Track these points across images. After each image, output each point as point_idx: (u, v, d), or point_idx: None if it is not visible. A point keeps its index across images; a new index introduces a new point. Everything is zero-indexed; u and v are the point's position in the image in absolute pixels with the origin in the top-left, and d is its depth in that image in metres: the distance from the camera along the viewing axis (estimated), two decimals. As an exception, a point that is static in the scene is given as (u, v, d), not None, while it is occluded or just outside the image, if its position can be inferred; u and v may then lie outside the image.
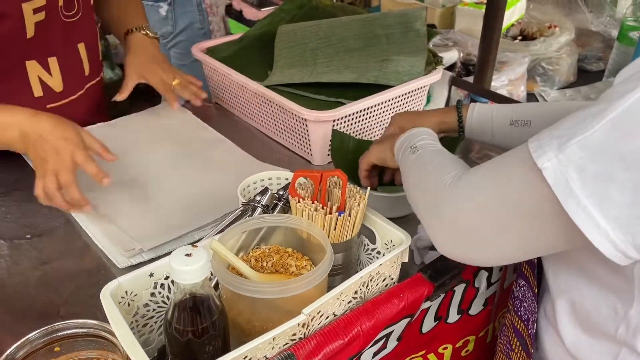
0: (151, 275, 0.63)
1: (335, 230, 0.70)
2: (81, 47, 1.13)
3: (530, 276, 0.72)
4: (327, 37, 1.30)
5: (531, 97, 2.66)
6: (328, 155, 1.13)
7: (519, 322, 0.73)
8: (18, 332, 0.60)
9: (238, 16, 2.24)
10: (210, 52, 1.33)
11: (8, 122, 0.89)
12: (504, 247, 0.56)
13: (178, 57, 2.21)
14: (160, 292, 0.64)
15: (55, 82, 1.08)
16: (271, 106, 1.17)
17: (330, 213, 0.68)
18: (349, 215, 0.69)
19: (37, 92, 1.07)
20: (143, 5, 1.31)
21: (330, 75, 1.20)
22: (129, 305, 0.61)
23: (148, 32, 1.22)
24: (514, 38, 2.76)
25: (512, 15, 2.69)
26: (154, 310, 0.64)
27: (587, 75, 2.87)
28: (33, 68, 1.04)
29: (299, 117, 1.09)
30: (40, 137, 0.87)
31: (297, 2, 1.46)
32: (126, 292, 0.61)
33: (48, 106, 1.08)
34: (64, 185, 0.88)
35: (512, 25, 2.77)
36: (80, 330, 0.57)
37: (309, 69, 1.23)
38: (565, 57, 2.69)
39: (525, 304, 0.72)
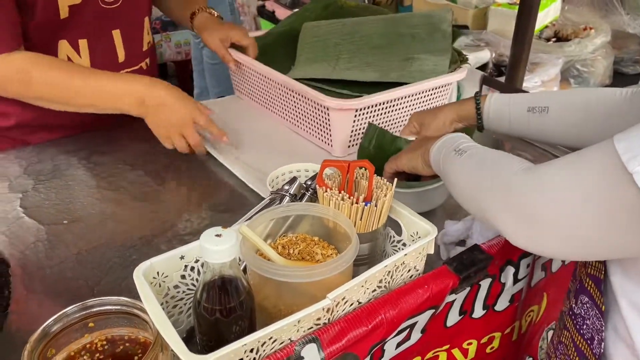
0: (182, 257, 0.65)
1: (361, 220, 0.70)
2: (116, 33, 1.16)
3: (595, 293, 0.69)
4: (351, 33, 1.31)
5: (564, 99, 2.60)
6: (349, 146, 1.13)
7: (582, 340, 0.71)
8: (54, 311, 0.63)
9: (270, 17, 2.27)
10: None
11: (126, 90, 1.02)
12: (578, 244, 0.55)
13: (210, 56, 2.25)
14: (190, 275, 0.66)
15: (83, 64, 1.12)
16: (293, 96, 1.18)
17: (357, 203, 0.69)
18: (376, 205, 0.70)
19: None
20: None
21: (353, 73, 1.21)
22: (159, 285, 0.64)
23: (212, 11, 1.32)
24: (548, 40, 2.71)
25: (546, 16, 2.65)
26: (183, 292, 0.66)
27: (623, 78, 2.80)
28: (63, 47, 1.09)
29: (321, 105, 1.10)
30: (161, 103, 1.03)
31: (322, 1, 1.48)
32: (157, 272, 0.63)
33: None
34: (194, 146, 1.08)
35: (546, 26, 2.73)
36: (114, 307, 0.59)
37: (332, 64, 1.25)
38: (601, 59, 2.63)
39: (588, 321, 0.70)
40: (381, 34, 1.30)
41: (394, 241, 0.78)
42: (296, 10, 2.21)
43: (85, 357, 0.58)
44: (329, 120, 1.11)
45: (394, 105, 1.15)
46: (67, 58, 1.10)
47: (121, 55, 1.18)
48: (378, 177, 0.75)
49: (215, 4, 2.00)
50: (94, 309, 0.59)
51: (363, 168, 0.75)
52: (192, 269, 0.66)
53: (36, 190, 1.02)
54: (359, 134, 1.13)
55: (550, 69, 2.36)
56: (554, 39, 2.72)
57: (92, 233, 0.92)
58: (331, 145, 1.14)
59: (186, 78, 3.00)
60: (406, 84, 1.15)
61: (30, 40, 1.04)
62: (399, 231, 0.76)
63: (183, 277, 0.66)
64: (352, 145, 1.14)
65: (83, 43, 1.11)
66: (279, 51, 1.36)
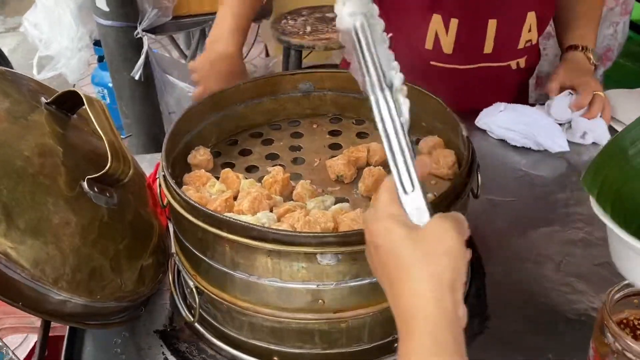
0: None
1: None
2: (492, 23, 1.10)
3: None
4: None
5: None
6: None
7: None
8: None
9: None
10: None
11: None
12: None
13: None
14: None
15: (447, 43, 1.11)
16: None
17: None
18: None
19: (429, 44, 1.12)
20: (598, 22, 1.22)
21: None
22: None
23: (591, 55, 1.16)
24: None
25: None
26: None
27: None
28: (435, 21, 1.10)
29: None
30: None
31: None
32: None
33: (431, 62, 1.14)
34: None
35: None
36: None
37: None
38: None
39: None
40: None
41: None
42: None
43: (626, 330, 0.63)
44: None
45: None
46: (434, 33, 1.11)
47: (488, 47, 1.12)
48: None
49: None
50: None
51: None
52: None
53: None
54: None
55: None
56: None
57: None
58: None
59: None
60: None
61: (407, 10, 1.10)
62: None
63: None
64: None
65: (454, 22, 1.09)
66: None
